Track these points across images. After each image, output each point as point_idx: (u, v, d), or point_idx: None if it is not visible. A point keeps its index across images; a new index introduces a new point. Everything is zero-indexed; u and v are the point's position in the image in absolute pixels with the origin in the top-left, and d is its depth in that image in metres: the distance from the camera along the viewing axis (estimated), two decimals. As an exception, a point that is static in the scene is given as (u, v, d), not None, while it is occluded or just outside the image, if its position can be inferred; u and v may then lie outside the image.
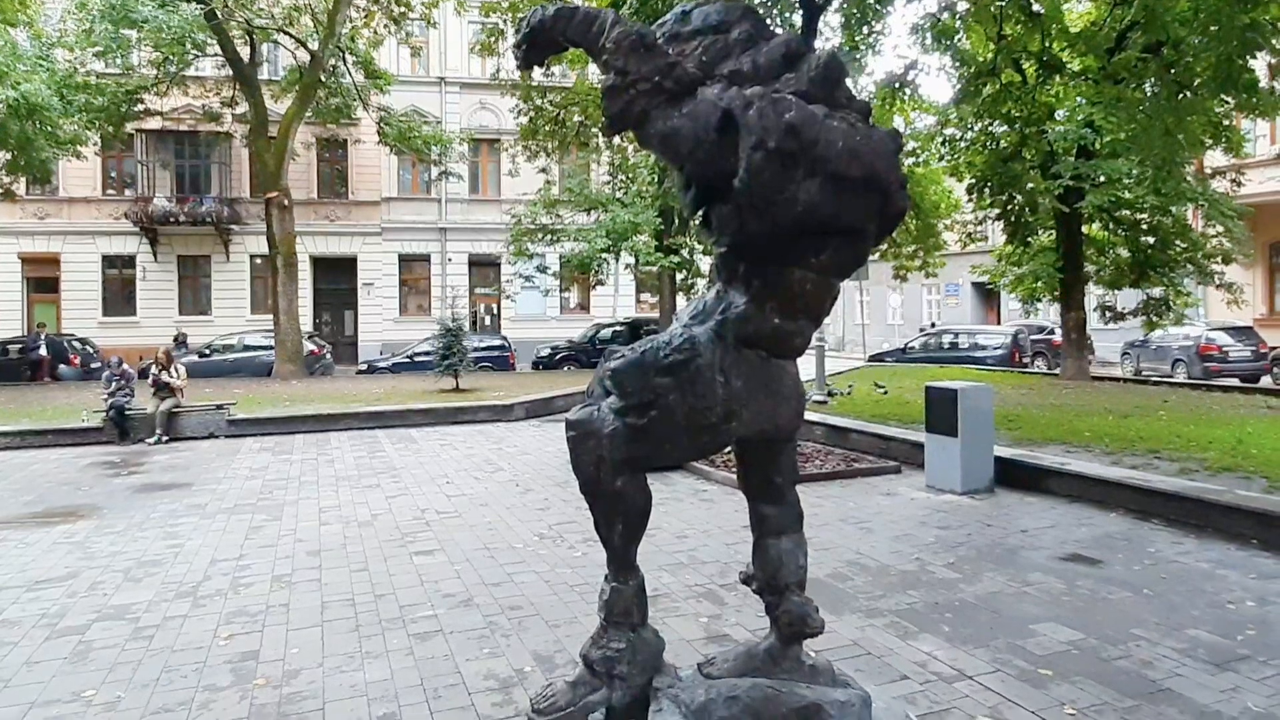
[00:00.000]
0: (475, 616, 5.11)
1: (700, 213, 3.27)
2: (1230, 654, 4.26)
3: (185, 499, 8.69)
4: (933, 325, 32.92)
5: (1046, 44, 14.66)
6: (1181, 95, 10.97)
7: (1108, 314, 20.38)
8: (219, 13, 20.78)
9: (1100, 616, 4.87)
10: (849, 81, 3.32)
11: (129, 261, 28.81)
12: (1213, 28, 9.15)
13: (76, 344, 24.47)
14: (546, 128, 21.53)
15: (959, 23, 14.72)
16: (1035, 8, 13.65)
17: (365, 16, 24.20)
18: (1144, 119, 11.89)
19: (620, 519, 3.32)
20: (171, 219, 27.87)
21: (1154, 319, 19.15)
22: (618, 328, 25.87)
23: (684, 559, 6.19)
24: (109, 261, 28.78)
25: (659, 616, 4.46)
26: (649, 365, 3.15)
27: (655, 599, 5.02)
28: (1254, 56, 10.77)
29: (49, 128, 20.25)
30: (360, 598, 5.49)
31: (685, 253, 21.19)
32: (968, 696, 3.92)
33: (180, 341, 25.05)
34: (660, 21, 3.36)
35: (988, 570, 5.79)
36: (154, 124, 26.12)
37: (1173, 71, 10.54)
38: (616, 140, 19.99)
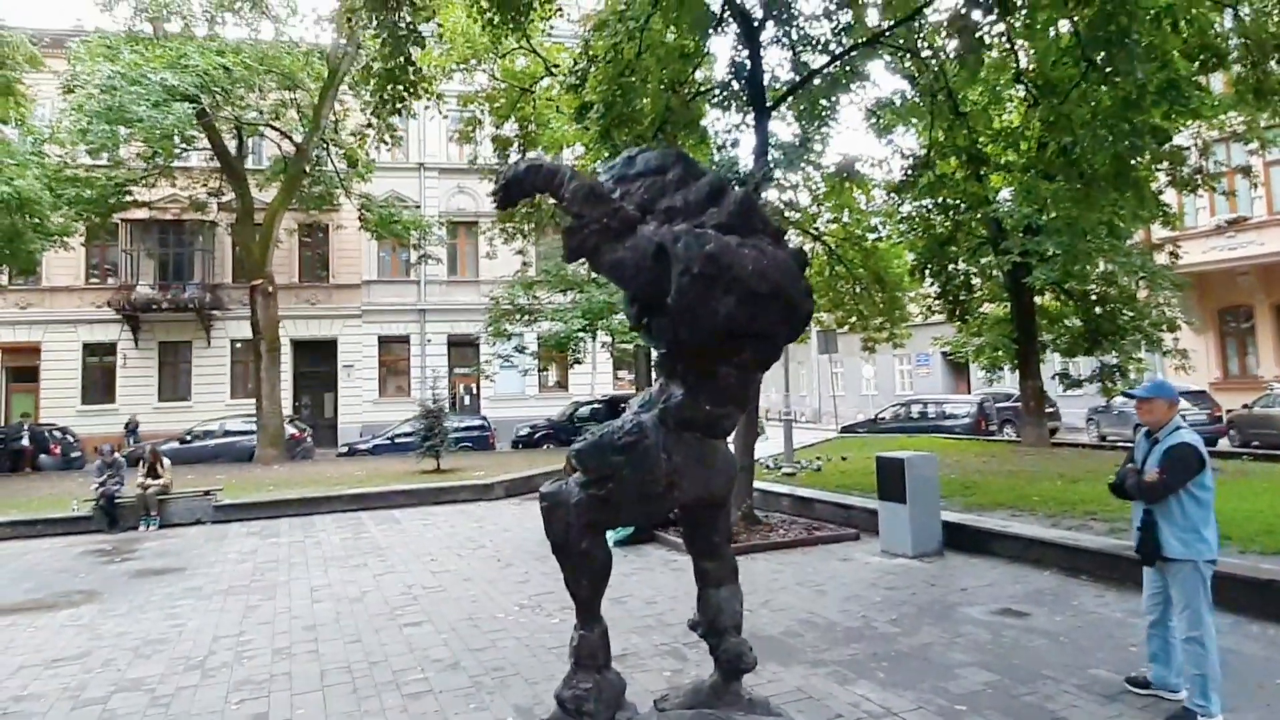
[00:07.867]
0: (462, 678, 5.63)
1: (644, 323, 4.01)
2: (1120, 688, 4.86)
3: (181, 582, 9.13)
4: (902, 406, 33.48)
5: (974, 141, 15.96)
6: (1086, 190, 12.08)
7: (1065, 381, 21.16)
8: (209, 110, 21.73)
9: (1018, 661, 5.48)
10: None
11: (109, 349, 28.73)
12: (1102, 131, 10.23)
13: (57, 434, 24.43)
14: (522, 210, 22.37)
15: (896, 119, 16.02)
16: (961, 109, 14.93)
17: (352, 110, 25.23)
18: (1063, 208, 13.07)
19: (586, 574, 3.99)
20: (154, 306, 28.02)
21: (1109, 385, 19.92)
22: (596, 405, 25.82)
23: (652, 622, 6.75)
24: (90, 350, 28.73)
25: (626, 673, 4.98)
26: (606, 446, 3.87)
27: (623, 658, 5.60)
28: (1142, 158, 11.96)
29: (38, 220, 20.74)
30: (356, 665, 6.00)
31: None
32: (893, 730, 4.50)
33: (131, 429, 25.06)
34: (610, 165, 4.17)
35: (925, 625, 6.39)
36: (139, 213, 26.62)
37: (1078, 169, 11.66)
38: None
